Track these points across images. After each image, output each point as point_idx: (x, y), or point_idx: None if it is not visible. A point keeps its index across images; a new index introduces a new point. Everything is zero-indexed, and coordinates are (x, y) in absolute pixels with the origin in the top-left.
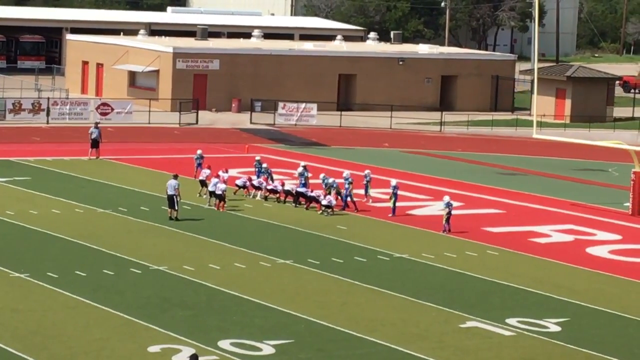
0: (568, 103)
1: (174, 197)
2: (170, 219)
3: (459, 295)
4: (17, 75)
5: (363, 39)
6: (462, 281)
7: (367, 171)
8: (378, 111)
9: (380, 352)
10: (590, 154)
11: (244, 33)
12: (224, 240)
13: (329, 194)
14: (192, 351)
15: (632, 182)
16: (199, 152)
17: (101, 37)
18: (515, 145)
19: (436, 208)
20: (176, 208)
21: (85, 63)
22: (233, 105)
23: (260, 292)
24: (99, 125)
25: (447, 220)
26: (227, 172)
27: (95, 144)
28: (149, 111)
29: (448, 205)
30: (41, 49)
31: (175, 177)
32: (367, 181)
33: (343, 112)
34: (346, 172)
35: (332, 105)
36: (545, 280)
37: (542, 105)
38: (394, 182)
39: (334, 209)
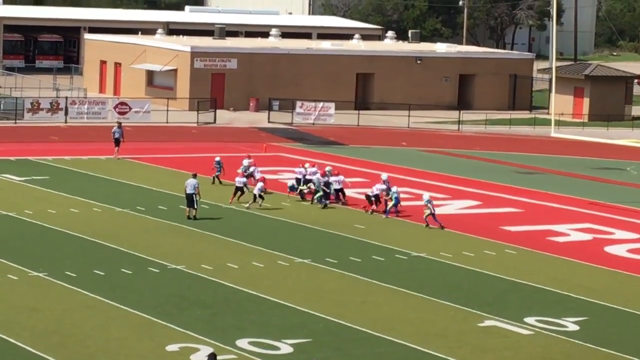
0: (586, 102)
1: (194, 196)
2: (189, 218)
3: (477, 294)
4: (35, 74)
5: (381, 38)
6: (480, 280)
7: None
8: (396, 110)
9: (399, 351)
10: (608, 152)
11: (261, 32)
12: (242, 239)
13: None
14: (210, 350)
15: None
16: (217, 159)
17: (119, 37)
18: (533, 144)
19: (454, 207)
20: (195, 207)
21: (103, 62)
22: (251, 104)
23: (278, 291)
24: (122, 125)
25: (433, 216)
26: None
27: (117, 143)
28: (167, 110)
29: (429, 202)
30: (59, 48)
31: (195, 176)
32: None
33: (361, 111)
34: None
35: (349, 104)
36: (563, 279)
37: (560, 104)
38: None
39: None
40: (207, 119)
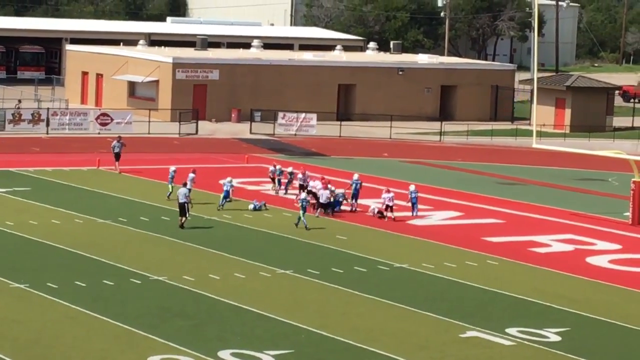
0: (568, 113)
1: (185, 204)
2: (181, 227)
3: (459, 305)
4: (16, 85)
5: (362, 49)
6: (462, 291)
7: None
8: (377, 121)
9: None
10: (590, 163)
11: (243, 43)
12: (224, 250)
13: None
14: None
15: (632, 192)
16: (172, 168)
17: (101, 48)
18: (515, 155)
19: (436, 218)
20: (187, 216)
21: (85, 73)
22: (233, 115)
23: (260, 302)
24: (121, 138)
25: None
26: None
27: (117, 157)
28: (149, 121)
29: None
30: (41, 59)
31: (185, 185)
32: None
33: (343, 122)
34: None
35: (331, 115)
36: (545, 290)
37: (541, 115)
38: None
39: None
40: (189, 130)
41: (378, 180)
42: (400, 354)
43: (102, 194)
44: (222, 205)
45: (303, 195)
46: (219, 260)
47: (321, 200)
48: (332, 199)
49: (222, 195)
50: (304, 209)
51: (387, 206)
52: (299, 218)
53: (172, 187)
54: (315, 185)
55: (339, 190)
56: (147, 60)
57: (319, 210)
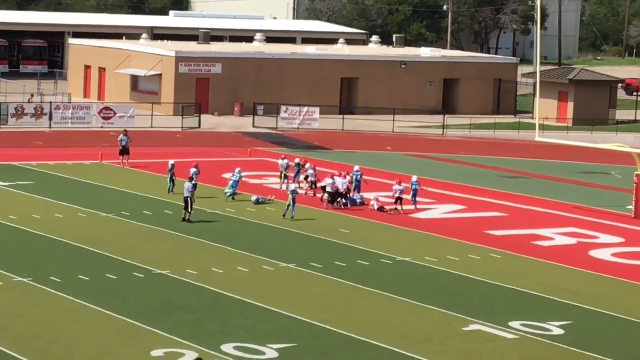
0: (570, 106)
1: (189, 199)
2: (184, 220)
3: (462, 299)
4: (19, 79)
5: (365, 42)
6: (465, 284)
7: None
8: (380, 115)
9: (384, 356)
10: (593, 157)
11: (246, 37)
12: (227, 244)
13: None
14: (196, 355)
15: (635, 185)
16: (171, 162)
17: (104, 42)
18: (517, 149)
19: (439, 212)
20: (190, 210)
21: (87, 67)
22: (235, 109)
23: (264, 296)
24: (128, 132)
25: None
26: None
27: (125, 151)
28: (152, 115)
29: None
30: (44, 53)
31: (191, 179)
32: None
33: (345, 116)
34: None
35: (334, 109)
36: (548, 283)
37: (544, 108)
38: (414, 178)
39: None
40: (191, 124)
41: (381, 174)
42: (403, 348)
43: (105, 188)
44: (232, 196)
45: (292, 186)
46: (222, 254)
47: (340, 189)
48: (350, 194)
49: (230, 184)
50: (294, 201)
51: (398, 198)
52: (287, 207)
53: (169, 180)
54: (334, 181)
55: (358, 195)
56: (149, 54)
57: (326, 205)
